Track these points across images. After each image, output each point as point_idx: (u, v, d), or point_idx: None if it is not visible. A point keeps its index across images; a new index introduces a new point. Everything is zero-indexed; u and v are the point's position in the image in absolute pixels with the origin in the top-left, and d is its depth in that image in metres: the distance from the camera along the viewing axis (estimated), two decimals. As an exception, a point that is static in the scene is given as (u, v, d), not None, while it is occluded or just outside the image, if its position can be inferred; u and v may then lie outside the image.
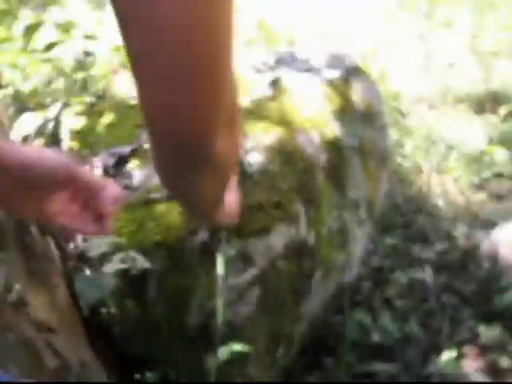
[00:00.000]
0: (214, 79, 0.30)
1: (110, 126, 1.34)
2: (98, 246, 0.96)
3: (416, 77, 2.41)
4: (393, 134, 1.81)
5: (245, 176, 0.91)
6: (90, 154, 1.25)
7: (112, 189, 0.46)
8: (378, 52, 2.52)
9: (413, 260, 1.33)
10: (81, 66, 1.78)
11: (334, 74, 1.19)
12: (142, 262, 0.91)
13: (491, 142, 1.85)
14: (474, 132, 1.89)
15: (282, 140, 1.01)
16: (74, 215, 0.44)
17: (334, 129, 1.06)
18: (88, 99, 1.54)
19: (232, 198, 0.58)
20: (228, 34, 0.29)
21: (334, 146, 1.04)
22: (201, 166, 0.36)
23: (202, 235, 0.90)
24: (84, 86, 1.70)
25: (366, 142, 1.13)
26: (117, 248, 0.93)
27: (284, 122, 1.06)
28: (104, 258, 0.94)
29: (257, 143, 1.02)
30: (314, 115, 1.06)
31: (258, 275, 0.89)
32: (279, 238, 0.91)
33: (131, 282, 0.90)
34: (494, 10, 2.57)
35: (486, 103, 2.12)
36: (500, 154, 1.75)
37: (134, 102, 1.42)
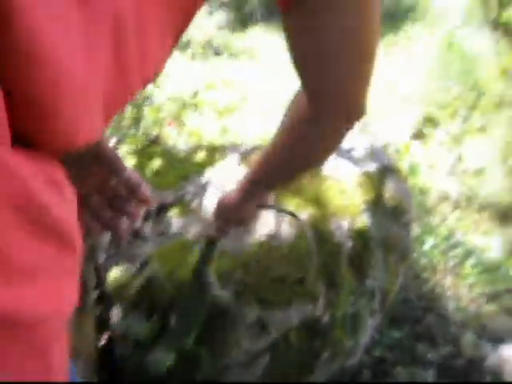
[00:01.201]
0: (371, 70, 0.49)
1: (157, 171, 1.44)
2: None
3: (445, 176, 2.50)
4: (414, 229, 1.87)
5: None
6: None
7: (145, 189, 0.50)
8: (414, 146, 2.64)
9: (416, 358, 1.34)
10: (136, 105, 1.93)
11: (372, 167, 1.28)
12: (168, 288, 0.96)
13: (510, 254, 1.89)
14: (493, 241, 1.94)
15: (314, 220, 1.09)
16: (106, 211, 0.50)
17: (363, 219, 1.13)
18: (141, 141, 1.67)
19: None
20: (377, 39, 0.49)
21: (360, 236, 1.11)
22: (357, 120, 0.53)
23: (227, 295, 0.96)
24: (136, 126, 1.84)
25: (391, 237, 1.19)
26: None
27: (318, 202, 1.14)
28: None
29: (290, 219, 1.10)
30: (348, 203, 1.14)
31: (271, 344, 0.94)
32: (297, 313, 0.96)
33: (152, 324, 0.95)
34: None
35: (509, 214, 2.18)
36: (516, 268, 1.78)
37: (183, 153, 1.54)
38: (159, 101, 2.06)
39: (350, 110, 0.52)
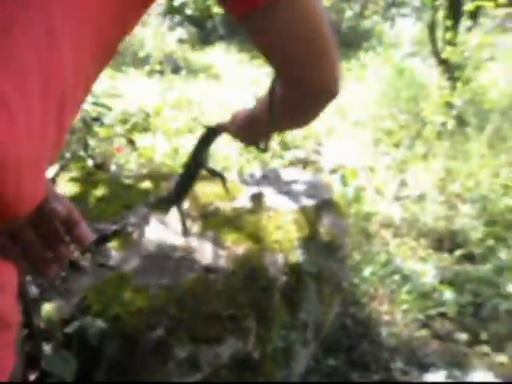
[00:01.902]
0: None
1: (100, 199, 1.44)
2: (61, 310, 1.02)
3: (390, 202, 2.62)
4: (355, 256, 1.96)
5: None
6: (75, 223, 1.33)
7: (83, 229, 0.50)
8: (362, 171, 2.75)
9: (350, 385, 1.40)
10: (85, 128, 1.92)
11: (309, 202, 1.34)
12: (101, 325, 0.96)
13: (443, 280, 2.00)
14: (429, 268, 2.05)
15: (249, 255, 1.13)
16: (38, 250, 0.48)
17: (297, 254, 1.18)
18: (86, 167, 1.66)
19: None
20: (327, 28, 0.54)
21: (294, 271, 1.16)
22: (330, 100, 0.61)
23: (160, 331, 0.98)
24: (84, 150, 1.83)
25: (325, 271, 1.25)
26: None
27: (255, 238, 1.18)
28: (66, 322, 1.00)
29: (227, 253, 1.14)
30: (283, 238, 1.19)
31: (201, 381, 0.96)
32: (227, 349, 0.99)
33: (84, 362, 0.95)
34: (466, 159, 2.87)
35: (445, 241, 2.31)
36: (448, 294, 1.89)
37: (128, 181, 1.54)
38: (109, 122, 2.06)
39: (323, 86, 0.59)
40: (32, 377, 0.98)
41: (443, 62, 3.22)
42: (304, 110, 0.65)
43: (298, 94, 0.60)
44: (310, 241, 1.23)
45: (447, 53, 3.02)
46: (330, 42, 0.55)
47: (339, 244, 1.30)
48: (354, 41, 6.05)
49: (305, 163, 2.92)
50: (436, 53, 3.57)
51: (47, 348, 1.00)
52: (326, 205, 1.36)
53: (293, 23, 0.52)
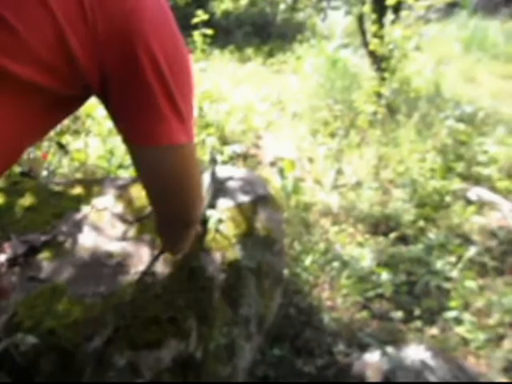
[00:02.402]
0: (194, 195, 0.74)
1: (28, 208, 1.38)
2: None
3: (327, 191, 2.71)
4: (296, 247, 2.01)
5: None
6: (2, 236, 1.27)
7: (4, 281, 0.62)
8: (298, 164, 2.82)
9: (296, 372, 1.45)
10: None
11: (245, 198, 1.36)
12: (33, 340, 0.93)
13: (380, 263, 2.11)
14: (366, 252, 2.15)
15: (186, 257, 1.13)
16: None
17: (235, 251, 1.20)
18: (11, 176, 1.57)
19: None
20: (199, 183, 0.75)
21: (232, 268, 1.17)
22: (191, 227, 0.83)
23: (97, 342, 0.96)
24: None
25: (263, 265, 1.28)
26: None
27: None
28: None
29: (164, 256, 1.13)
30: (219, 237, 1.20)
31: (143, 386, 0.96)
32: (169, 352, 0.99)
33: (19, 381, 0.92)
34: (397, 145, 3.02)
35: (380, 225, 2.42)
36: (384, 275, 2.00)
37: (58, 188, 1.48)
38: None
39: (180, 223, 0.79)
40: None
41: (371, 54, 3.35)
42: (166, 232, 0.85)
43: (160, 220, 0.80)
44: (247, 237, 1.25)
45: (373, 45, 3.14)
46: (188, 189, 0.71)
47: (275, 238, 1.33)
48: (288, 33, 6.13)
49: (244, 157, 2.95)
50: (365, 44, 3.71)
51: (-24, 371, 0.95)
52: (261, 200, 1.38)
53: (156, 169, 0.65)
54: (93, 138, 2.37)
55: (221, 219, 1.23)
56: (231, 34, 6.20)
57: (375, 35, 3.15)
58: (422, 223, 2.37)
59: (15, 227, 1.29)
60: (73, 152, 2.13)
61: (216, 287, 1.12)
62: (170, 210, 0.73)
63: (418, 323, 1.73)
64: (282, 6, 6.66)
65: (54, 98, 0.57)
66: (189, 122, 0.64)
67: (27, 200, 1.41)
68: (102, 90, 0.59)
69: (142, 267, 1.13)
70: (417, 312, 1.81)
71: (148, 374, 0.96)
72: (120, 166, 2.24)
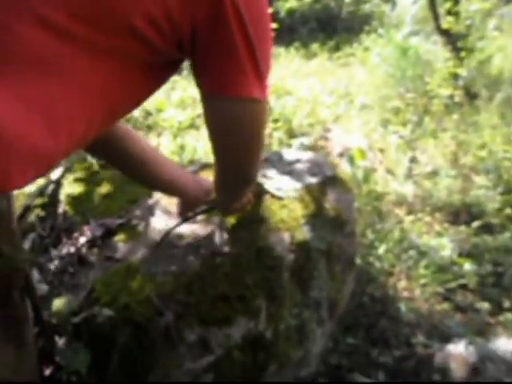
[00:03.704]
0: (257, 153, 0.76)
1: (105, 196, 1.45)
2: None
3: (401, 180, 2.57)
4: (368, 235, 1.93)
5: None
6: (82, 221, 1.34)
7: None
8: (371, 152, 2.71)
9: (371, 363, 1.38)
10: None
11: (313, 180, 1.32)
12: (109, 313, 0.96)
13: (461, 253, 1.96)
14: (446, 241, 2.01)
15: (255, 237, 1.12)
16: None
17: (304, 232, 1.17)
18: (91, 167, 1.66)
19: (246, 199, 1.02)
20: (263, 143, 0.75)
21: (302, 248, 1.14)
22: (250, 185, 0.87)
23: (168, 317, 0.98)
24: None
25: (334, 247, 1.23)
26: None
27: (259, 219, 1.17)
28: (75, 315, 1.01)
29: (233, 237, 1.13)
30: (288, 217, 1.17)
31: (214, 363, 0.95)
32: (238, 330, 0.98)
33: (96, 353, 0.96)
34: (477, 130, 2.80)
35: (461, 214, 2.25)
36: (467, 266, 1.85)
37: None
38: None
39: (241, 179, 0.82)
40: (47, 371, 0.99)
41: (445, 34, 3.14)
42: (225, 188, 0.87)
43: (221, 175, 0.82)
44: (316, 218, 1.22)
45: (448, 23, 2.94)
46: (254, 147, 0.72)
47: (346, 219, 1.28)
48: (355, 25, 5.97)
49: (313, 149, 2.89)
50: (438, 27, 3.50)
51: (60, 342, 1.00)
52: (330, 181, 1.34)
53: (229, 121, 0.67)
54: (165, 134, 2.45)
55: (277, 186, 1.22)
56: (296, 31, 6.16)
57: (449, 12, 2.95)
58: (509, 211, 2.17)
59: (94, 213, 1.36)
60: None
61: (285, 267, 1.10)
62: (234, 164, 0.75)
63: (509, 315, 1.58)
64: (347, -1, 6.51)
65: (149, 62, 0.62)
66: (265, 80, 0.66)
67: (104, 188, 1.48)
68: (192, 47, 0.62)
69: (211, 248, 1.13)
70: (506, 304, 1.65)
71: (218, 351, 0.96)
72: (191, 162, 2.30)
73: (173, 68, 0.70)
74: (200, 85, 0.67)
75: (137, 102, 0.70)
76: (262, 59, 0.63)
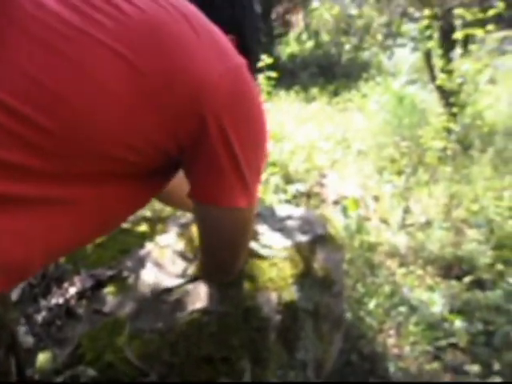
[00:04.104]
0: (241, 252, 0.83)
1: (98, 245, 1.46)
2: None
3: (394, 230, 2.60)
4: (359, 289, 1.93)
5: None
6: (73, 270, 1.35)
7: None
8: (363, 202, 2.75)
9: (357, 424, 1.35)
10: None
11: (303, 238, 1.34)
12: (92, 373, 0.96)
13: (452, 309, 1.95)
14: (437, 297, 2.01)
15: (243, 296, 1.13)
16: None
17: (292, 292, 1.18)
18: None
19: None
20: (249, 240, 0.85)
21: (289, 308, 1.15)
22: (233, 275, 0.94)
23: (152, 377, 0.98)
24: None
25: (321, 307, 1.24)
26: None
27: (248, 278, 1.18)
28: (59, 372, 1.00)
29: (221, 295, 1.14)
30: (276, 276, 1.19)
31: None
32: (221, 393, 0.97)
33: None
34: (470, 182, 2.85)
35: (453, 268, 2.26)
36: (458, 323, 1.84)
37: (126, 225, 1.57)
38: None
39: (223, 271, 0.89)
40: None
41: (439, 89, 3.25)
42: (208, 277, 1.02)
43: (205, 267, 0.93)
44: (305, 277, 1.23)
45: (441, 80, 3.05)
46: (236, 248, 0.79)
47: (334, 279, 1.29)
48: (353, 72, 6.16)
49: (308, 196, 2.93)
50: (433, 79, 3.62)
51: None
52: (320, 239, 1.36)
53: (212, 225, 0.72)
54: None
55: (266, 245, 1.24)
56: (297, 75, 6.35)
57: (442, 70, 3.06)
58: (500, 267, 2.18)
59: (85, 262, 1.37)
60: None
61: (271, 328, 1.10)
62: (217, 261, 0.81)
63: (498, 379, 1.56)
64: (347, 47, 6.74)
65: (141, 173, 0.65)
66: (252, 189, 0.68)
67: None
68: (180, 156, 0.65)
69: (199, 305, 1.14)
70: (496, 366, 1.63)
71: (200, 415, 0.95)
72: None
73: (174, 168, 0.71)
74: (189, 186, 0.69)
75: (136, 208, 0.73)
76: (250, 173, 0.65)
